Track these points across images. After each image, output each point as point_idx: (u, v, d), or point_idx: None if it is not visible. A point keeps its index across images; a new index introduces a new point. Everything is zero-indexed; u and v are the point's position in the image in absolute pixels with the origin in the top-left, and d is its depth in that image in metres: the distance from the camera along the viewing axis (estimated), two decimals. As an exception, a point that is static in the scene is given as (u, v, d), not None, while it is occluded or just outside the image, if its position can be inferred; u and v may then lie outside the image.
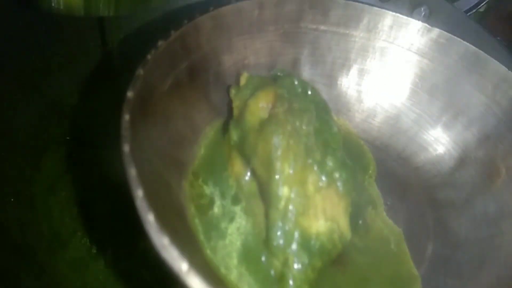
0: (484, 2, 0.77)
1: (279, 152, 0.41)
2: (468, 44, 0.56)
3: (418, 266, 0.50)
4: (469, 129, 0.57)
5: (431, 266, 0.51)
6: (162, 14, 0.71)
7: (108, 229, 0.59)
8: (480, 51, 0.56)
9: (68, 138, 0.64)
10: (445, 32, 0.57)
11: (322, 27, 0.59)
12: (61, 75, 0.65)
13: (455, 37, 0.57)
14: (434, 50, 0.58)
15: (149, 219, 0.31)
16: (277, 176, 0.41)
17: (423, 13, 0.64)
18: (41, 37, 0.62)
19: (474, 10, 0.76)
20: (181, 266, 0.30)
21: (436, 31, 0.58)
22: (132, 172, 0.33)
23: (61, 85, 0.65)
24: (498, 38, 0.66)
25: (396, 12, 0.58)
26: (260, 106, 0.44)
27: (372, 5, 0.58)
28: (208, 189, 0.46)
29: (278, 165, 0.41)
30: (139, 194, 0.32)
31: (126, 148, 0.34)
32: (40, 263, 0.52)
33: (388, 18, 0.59)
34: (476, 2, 0.77)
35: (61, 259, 0.54)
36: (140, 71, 0.40)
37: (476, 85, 0.57)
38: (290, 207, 0.41)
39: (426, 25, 0.58)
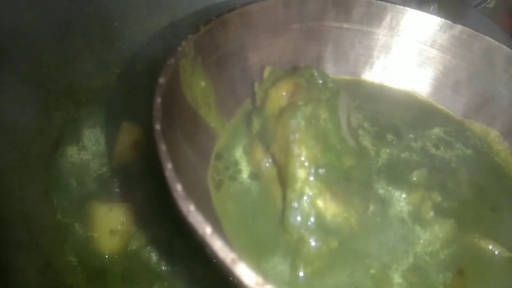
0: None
1: (296, 136, 0.43)
2: (491, 39, 0.57)
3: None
4: (492, 124, 0.58)
5: None
6: (186, 15, 0.73)
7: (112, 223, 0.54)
8: (504, 46, 0.56)
9: (75, 134, 0.62)
10: (468, 28, 0.58)
11: (345, 25, 0.61)
12: (67, 72, 0.64)
13: (478, 32, 0.58)
14: (456, 46, 0.59)
15: (177, 188, 0.34)
16: (294, 159, 0.43)
17: (431, 7, 0.64)
18: (47, 34, 0.61)
19: (483, 5, 0.75)
20: (206, 229, 0.33)
21: (458, 28, 0.58)
22: (162, 147, 0.37)
23: (67, 81, 0.64)
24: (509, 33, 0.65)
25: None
26: (280, 94, 0.47)
27: (394, 3, 0.60)
28: (227, 166, 0.49)
29: (295, 148, 0.43)
30: (168, 166, 0.35)
31: (157, 126, 0.38)
32: (45, 258, 0.51)
33: (411, 15, 0.60)
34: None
35: (65, 255, 0.53)
36: (171, 60, 0.44)
37: (499, 80, 0.57)
38: (307, 188, 0.43)
39: (449, 21, 0.59)
